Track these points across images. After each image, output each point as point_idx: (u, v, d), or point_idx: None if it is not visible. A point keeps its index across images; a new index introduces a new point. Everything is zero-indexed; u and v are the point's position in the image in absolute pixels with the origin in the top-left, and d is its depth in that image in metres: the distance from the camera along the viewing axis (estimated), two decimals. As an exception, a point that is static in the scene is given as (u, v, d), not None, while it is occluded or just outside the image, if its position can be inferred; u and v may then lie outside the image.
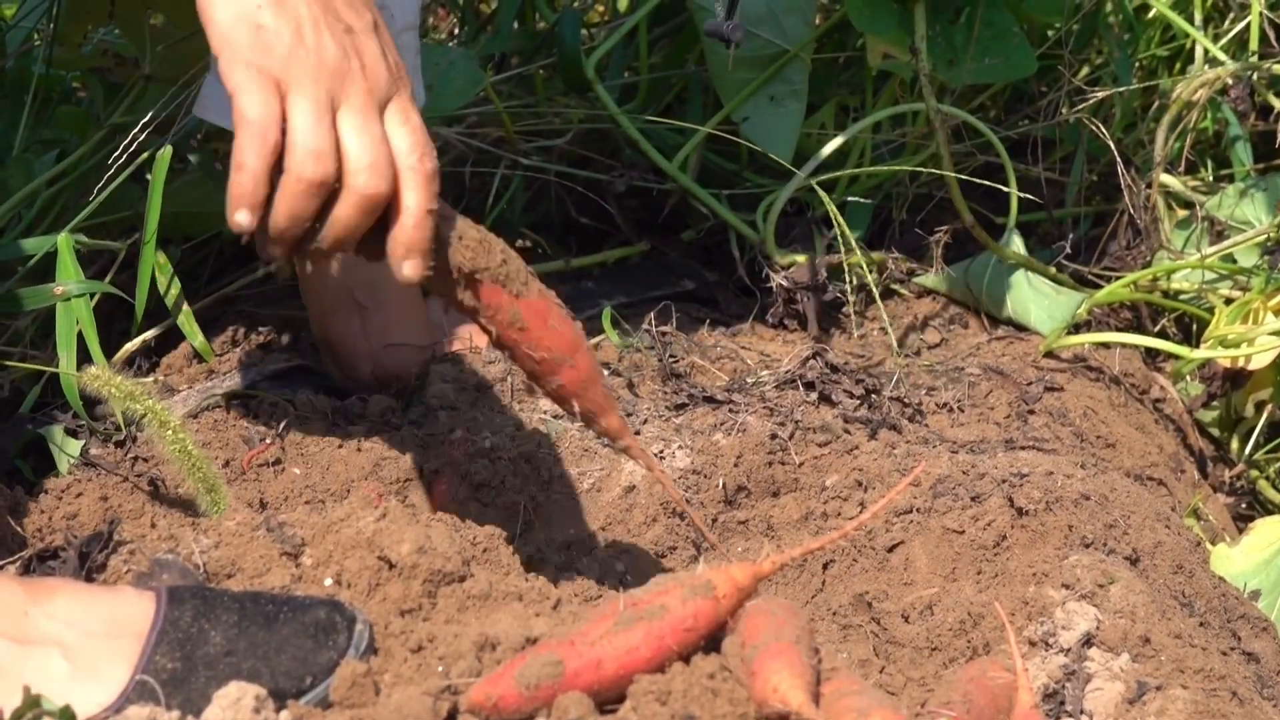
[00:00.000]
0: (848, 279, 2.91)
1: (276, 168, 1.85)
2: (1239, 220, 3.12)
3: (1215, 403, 3.04)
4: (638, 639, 1.74)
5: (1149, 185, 3.17)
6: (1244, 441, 3.03)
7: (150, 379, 2.59)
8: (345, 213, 1.87)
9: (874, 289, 2.76)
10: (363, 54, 1.92)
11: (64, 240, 2.44)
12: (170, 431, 2.15)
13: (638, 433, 2.49)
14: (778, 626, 1.76)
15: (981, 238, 2.96)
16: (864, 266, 2.83)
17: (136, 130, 2.56)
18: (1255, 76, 3.23)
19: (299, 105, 1.86)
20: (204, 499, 2.17)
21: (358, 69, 1.91)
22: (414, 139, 1.92)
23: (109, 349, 2.54)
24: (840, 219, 2.73)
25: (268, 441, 2.42)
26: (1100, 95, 3.14)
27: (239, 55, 1.86)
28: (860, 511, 2.36)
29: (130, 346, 2.66)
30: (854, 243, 2.77)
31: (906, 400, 2.65)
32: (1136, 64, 3.41)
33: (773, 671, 1.71)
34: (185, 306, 2.62)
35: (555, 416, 2.54)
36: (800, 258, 2.99)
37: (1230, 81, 3.23)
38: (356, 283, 2.52)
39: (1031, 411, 2.71)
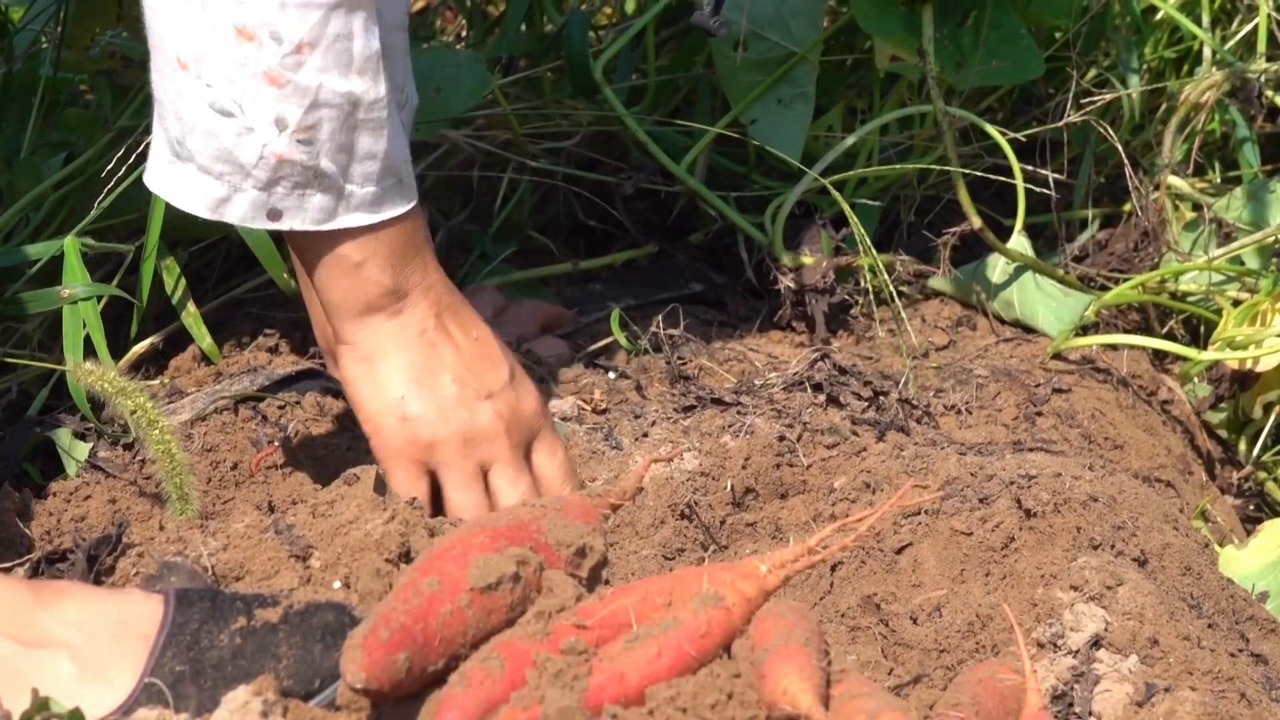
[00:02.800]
0: (862, 281, 2.91)
1: None
2: (1247, 222, 3.12)
3: (1223, 404, 3.04)
4: (654, 650, 1.74)
5: (1156, 187, 3.17)
6: (1252, 443, 3.03)
7: (157, 381, 2.59)
8: None
9: (889, 290, 2.75)
10: (504, 415, 2.22)
11: (71, 243, 2.44)
12: (157, 431, 2.15)
13: (645, 435, 2.49)
14: (787, 629, 1.76)
15: (989, 240, 2.96)
16: (873, 269, 2.83)
17: (144, 132, 2.56)
18: (1263, 78, 3.23)
19: (448, 480, 2.21)
20: (174, 504, 2.17)
21: (501, 430, 2.22)
22: (560, 472, 2.28)
23: (117, 351, 2.55)
24: (854, 218, 2.73)
25: (275, 444, 2.43)
26: (1108, 97, 3.14)
27: (389, 445, 2.20)
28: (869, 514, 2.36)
29: (138, 349, 2.66)
30: (866, 244, 2.77)
31: (914, 402, 2.65)
32: (1144, 66, 3.40)
33: (782, 674, 1.71)
34: (193, 309, 2.62)
35: (564, 419, 2.54)
36: (808, 260, 2.98)
37: (1238, 83, 3.23)
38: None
39: (1039, 413, 2.71)
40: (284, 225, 2.11)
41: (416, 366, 2.20)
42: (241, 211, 2.11)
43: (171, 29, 2.03)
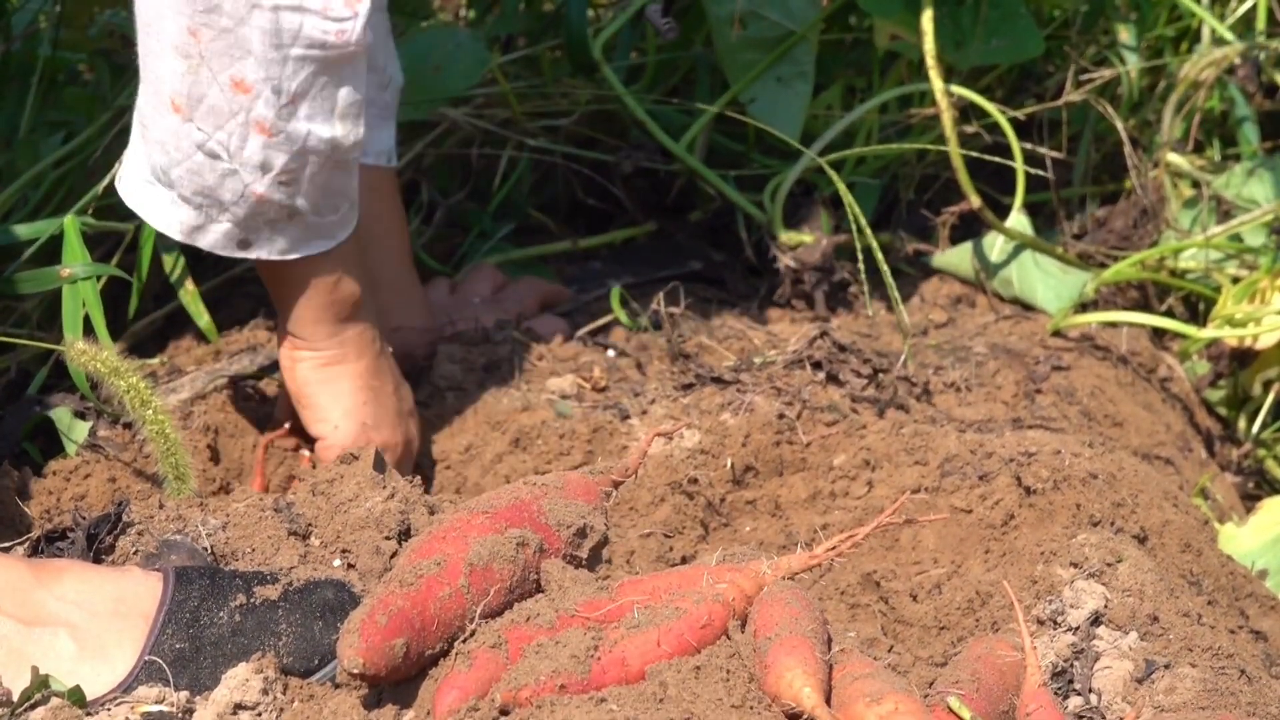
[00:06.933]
0: (858, 259, 2.91)
1: None
2: (1246, 199, 3.12)
3: (1222, 382, 3.04)
4: (656, 636, 1.74)
5: (1156, 165, 3.17)
6: (1251, 420, 3.03)
7: (157, 360, 2.59)
8: None
9: (883, 268, 2.75)
10: (420, 430, 2.42)
11: (70, 222, 2.44)
12: (150, 411, 2.16)
13: (645, 412, 2.50)
14: (792, 618, 1.75)
15: (988, 218, 2.95)
16: (872, 247, 2.83)
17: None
18: (1262, 56, 3.23)
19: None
20: (171, 484, 2.18)
21: (416, 441, 2.41)
22: None
23: (116, 331, 2.54)
24: (850, 197, 2.73)
25: (287, 426, 2.42)
26: (1107, 75, 3.13)
27: (343, 444, 2.29)
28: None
29: (137, 328, 2.66)
30: (861, 224, 2.77)
31: (914, 380, 2.65)
32: (1143, 44, 3.40)
33: (786, 668, 1.70)
34: (191, 287, 2.62)
35: (564, 397, 2.54)
36: (807, 238, 2.98)
37: (1237, 61, 3.23)
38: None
39: (1039, 390, 2.71)
40: (252, 255, 2.20)
41: (371, 373, 2.32)
42: (213, 240, 2.20)
43: (169, 74, 2.08)
